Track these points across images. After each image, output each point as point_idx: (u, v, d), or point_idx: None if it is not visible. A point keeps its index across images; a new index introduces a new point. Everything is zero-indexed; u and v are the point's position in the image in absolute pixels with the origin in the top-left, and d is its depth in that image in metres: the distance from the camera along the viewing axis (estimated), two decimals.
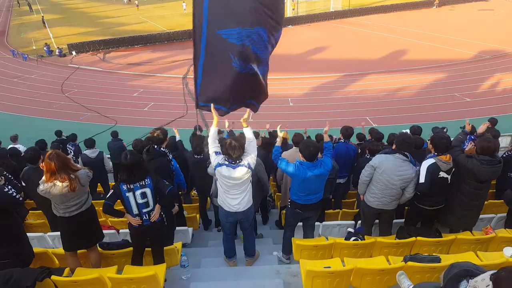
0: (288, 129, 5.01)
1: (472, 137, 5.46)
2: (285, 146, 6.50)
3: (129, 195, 3.86)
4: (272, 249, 5.31)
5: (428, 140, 4.82)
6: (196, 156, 5.90)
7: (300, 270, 4.00)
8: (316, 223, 5.28)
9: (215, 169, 4.14)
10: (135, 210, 3.93)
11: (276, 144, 4.58)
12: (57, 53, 25.45)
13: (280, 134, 4.63)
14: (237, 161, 4.06)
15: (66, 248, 4.14)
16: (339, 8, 38.06)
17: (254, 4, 4.39)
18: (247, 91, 5.02)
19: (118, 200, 3.94)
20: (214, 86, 5.05)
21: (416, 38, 26.99)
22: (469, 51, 22.91)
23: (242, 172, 4.05)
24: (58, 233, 4.35)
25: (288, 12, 36.08)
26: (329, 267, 3.75)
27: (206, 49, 4.91)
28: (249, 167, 4.08)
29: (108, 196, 3.93)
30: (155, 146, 4.98)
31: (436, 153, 4.39)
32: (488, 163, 4.18)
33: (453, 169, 4.39)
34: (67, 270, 3.82)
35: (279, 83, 18.27)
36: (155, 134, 4.98)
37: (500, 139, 8.18)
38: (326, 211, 6.04)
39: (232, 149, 4.02)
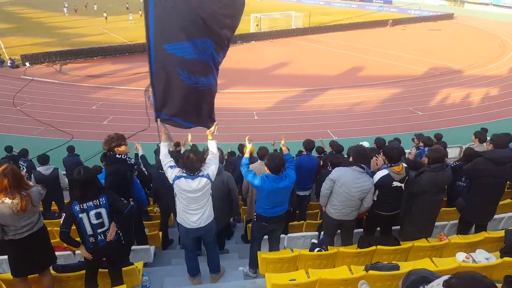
0: (253, 142, 5.07)
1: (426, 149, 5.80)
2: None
3: (83, 216, 3.67)
4: (238, 264, 5.27)
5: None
6: (160, 171, 5.79)
7: (266, 284, 4.00)
8: (282, 235, 5.33)
9: (173, 182, 4.06)
10: (89, 230, 3.74)
11: (245, 155, 4.62)
12: (8, 64, 24.11)
13: (249, 145, 4.67)
14: (196, 173, 4.02)
15: (15, 273, 3.82)
16: (300, 26, 39.23)
17: (205, 12, 4.11)
18: (203, 106, 4.98)
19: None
20: (169, 100, 4.98)
21: (372, 55, 28.31)
22: (420, 68, 24.36)
23: (201, 183, 4.00)
24: (5, 256, 4.03)
25: (251, 28, 36.73)
26: (295, 280, 3.79)
27: (155, 63, 4.77)
28: (209, 177, 4.05)
29: (62, 222, 3.69)
30: (110, 152, 4.77)
31: (389, 164, 4.57)
32: (440, 169, 4.46)
33: (406, 177, 4.61)
34: None
35: (244, 96, 18.44)
36: (107, 139, 4.73)
37: (449, 150, 8.72)
38: (290, 223, 6.11)
39: (190, 163, 3.99)
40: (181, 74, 4.46)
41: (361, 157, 4.57)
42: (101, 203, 3.72)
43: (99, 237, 3.80)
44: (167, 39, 4.30)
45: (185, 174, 4.01)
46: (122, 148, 4.72)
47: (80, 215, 3.66)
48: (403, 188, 4.63)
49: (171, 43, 4.31)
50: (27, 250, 3.71)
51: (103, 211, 3.74)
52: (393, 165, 4.52)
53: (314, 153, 7.08)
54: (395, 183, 4.55)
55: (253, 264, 4.89)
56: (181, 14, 4.11)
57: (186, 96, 4.67)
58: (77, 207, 3.65)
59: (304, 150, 6.40)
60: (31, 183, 3.85)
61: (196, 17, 4.08)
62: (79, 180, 3.66)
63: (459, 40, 34.29)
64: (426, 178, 4.47)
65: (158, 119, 4.85)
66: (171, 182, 4.08)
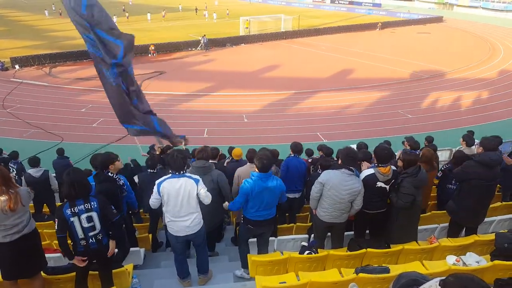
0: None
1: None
2: (238, 161, 6.55)
3: (74, 219, 3.65)
4: (228, 266, 5.26)
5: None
6: (150, 171, 5.76)
7: (256, 286, 3.99)
8: (271, 238, 5.33)
9: (158, 189, 4.09)
10: (80, 234, 3.72)
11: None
12: None
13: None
14: (181, 172, 4.10)
15: (5, 277, 3.80)
16: (289, 29, 39.42)
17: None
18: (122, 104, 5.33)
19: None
20: (113, 103, 5.32)
21: (362, 58, 28.54)
22: (410, 71, 24.60)
23: (187, 183, 4.06)
24: None
25: (241, 31, 36.79)
26: (285, 282, 3.79)
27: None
28: (196, 181, 4.10)
29: (56, 227, 3.69)
30: (104, 170, 4.81)
31: (377, 163, 4.63)
32: (417, 172, 4.56)
33: (392, 180, 4.65)
34: None
35: (233, 99, 18.44)
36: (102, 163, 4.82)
37: (439, 153, 8.81)
38: (280, 226, 6.11)
39: (174, 160, 4.06)
40: (102, 69, 5.19)
41: (349, 160, 4.59)
42: (92, 207, 3.71)
43: (91, 240, 3.77)
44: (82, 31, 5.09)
45: (170, 175, 4.09)
46: (116, 164, 4.78)
47: (72, 219, 3.65)
48: (387, 189, 4.67)
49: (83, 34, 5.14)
50: (18, 253, 3.68)
51: (94, 214, 3.72)
52: (380, 165, 4.57)
53: (304, 156, 7.12)
54: (380, 184, 4.61)
55: (246, 264, 4.90)
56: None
57: (114, 94, 5.00)
58: (68, 211, 3.63)
59: (291, 152, 6.41)
60: (18, 186, 3.79)
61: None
62: (68, 181, 3.65)
63: (448, 43, 34.74)
64: (407, 183, 4.53)
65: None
66: (157, 192, 4.11)
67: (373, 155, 4.88)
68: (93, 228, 3.75)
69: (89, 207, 3.69)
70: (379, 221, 4.93)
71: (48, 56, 25.83)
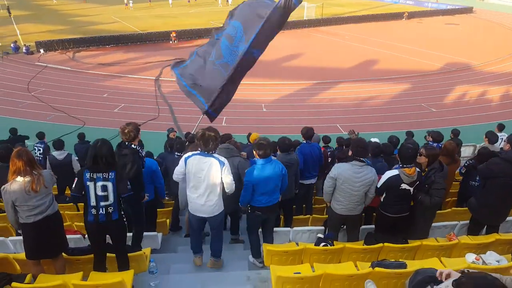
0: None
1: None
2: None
3: (90, 184, 3.74)
4: (242, 254, 5.30)
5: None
6: (177, 154, 5.81)
7: (270, 275, 4.01)
8: (287, 228, 5.34)
9: (186, 160, 4.15)
10: (93, 201, 3.78)
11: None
12: (24, 51, 24.40)
13: None
14: (211, 152, 4.11)
15: (29, 256, 3.93)
16: (312, 17, 38.74)
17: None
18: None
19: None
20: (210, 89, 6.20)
21: (386, 48, 27.87)
22: (436, 63, 23.90)
23: (213, 162, 4.07)
24: (21, 237, 4.13)
25: None
26: (299, 273, 3.78)
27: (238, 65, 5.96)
28: (221, 163, 4.09)
29: (74, 186, 3.82)
30: (126, 142, 4.81)
31: (401, 164, 4.46)
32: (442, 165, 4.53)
33: (417, 182, 4.49)
34: (29, 277, 3.67)
35: (252, 88, 18.36)
36: (126, 131, 4.64)
37: (462, 149, 8.58)
38: (296, 217, 6.10)
39: (205, 139, 4.06)
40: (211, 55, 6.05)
41: (360, 151, 4.52)
42: (109, 177, 3.77)
43: (101, 210, 3.81)
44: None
45: (199, 152, 4.12)
46: (139, 137, 4.80)
47: (88, 183, 3.74)
48: (412, 192, 4.53)
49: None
50: (41, 234, 3.78)
51: (109, 185, 3.78)
52: (405, 166, 4.40)
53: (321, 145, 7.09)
54: (404, 186, 4.45)
55: (256, 253, 4.94)
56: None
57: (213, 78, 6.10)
58: (87, 175, 3.73)
59: (303, 138, 6.36)
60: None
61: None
62: (94, 151, 3.73)
63: (477, 35, 33.50)
64: (439, 178, 4.45)
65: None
66: (183, 165, 4.17)
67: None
68: (106, 198, 3.80)
69: (107, 176, 3.76)
70: (400, 225, 4.80)
71: (72, 41, 26.31)
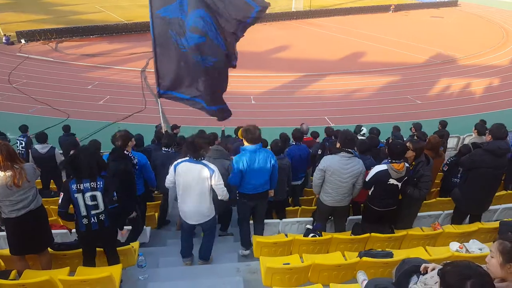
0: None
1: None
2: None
3: (78, 195, 3.64)
4: (232, 246, 5.32)
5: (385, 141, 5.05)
6: (164, 150, 5.76)
7: (260, 267, 4.04)
8: (276, 220, 5.37)
9: (175, 167, 4.10)
10: (83, 211, 3.70)
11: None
12: (4, 41, 23.63)
13: None
14: (200, 159, 4.05)
15: (13, 252, 3.86)
16: (300, 9, 38.62)
17: None
18: (201, 79, 5.24)
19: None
20: (167, 70, 5.40)
21: (373, 41, 28.01)
22: (421, 56, 24.15)
23: (202, 170, 4.02)
24: (4, 233, 4.05)
25: None
26: (288, 264, 3.82)
27: (154, 33, 5.23)
28: (211, 171, 4.03)
29: (60, 202, 3.68)
30: (122, 149, 4.78)
31: (390, 159, 4.49)
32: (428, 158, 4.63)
33: (405, 177, 4.54)
34: (13, 273, 3.60)
35: (241, 80, 18.28)
36: (115, 137, 4.72)
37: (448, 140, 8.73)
38: (286, 208, 6.15)
39: (194, 146, 4.02)
40: (173, 36, 5.06)
41: (347, 142, 4.58)
42: (97, 186, 3.68)
43: (92, 219, 3.74)
44: (159, 5, 4.91)
45: (187, 158, 4.05)
46: (132, 142, 4.77)
47: (76, 195, 3.64)
48: (399, 187, 4.58)
49: (162, 7, 4.93)
50: (24, 229, 3.70)
51: (98, 194, 3.70)
52: (394, 161, 4.44)
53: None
54: (392, 181, 4.49)
55: (245, 243, 4.99)
56: None
57: (179, 61, 4.97)
58: (74, 186, 3.63)
59: (293, 140, 6.41)
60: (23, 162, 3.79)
61: None
62: (77, 161, 3.63)
63: (461, 28, 33.93)
64: (426, 171, 4.57)
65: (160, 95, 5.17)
66: (173, 173, 4.11)
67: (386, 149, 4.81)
68: (96, 206, 3.73)
69: (95, 186, 3.67)
70: (388, 217, 4.86)
71: (55, 31, 25.56)
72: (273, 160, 4.59)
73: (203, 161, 4.08)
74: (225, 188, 4.19)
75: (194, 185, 4.08)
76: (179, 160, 4.13)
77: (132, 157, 4.87)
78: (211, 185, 4.11)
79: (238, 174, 4.48)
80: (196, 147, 4.02)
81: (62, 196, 3.67)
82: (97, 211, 3.75)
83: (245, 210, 4.88)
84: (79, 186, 3.63)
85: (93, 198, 3.69)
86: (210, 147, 4.90)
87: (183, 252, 4.72)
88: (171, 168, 4.16)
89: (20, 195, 3.59)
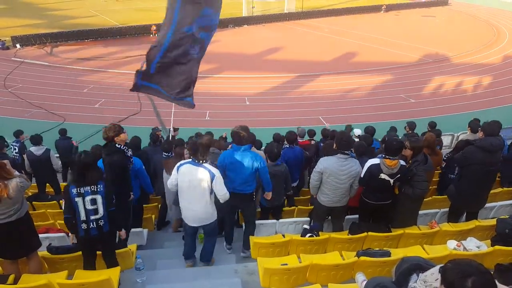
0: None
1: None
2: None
3: (78, 200, 3.65)
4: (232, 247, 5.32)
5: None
6: (165, 154, 5.76)
7: (258, 268, 4.05)
8: (273, 220, 5.38)
9: (178, 169, 4.13)
10: (82, 216, 3.70)
11: None
12: None
13: None
14: (201, 161, 4.07)
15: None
16: (292, 10, 38.73)
17: None
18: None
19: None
20: (165, 76, 5.96)
21: (365, 41, 28.14)
22: (414, 55, 24.29)
23: (204, 174, 4.03)
24: None
25: (244, 12, 36.16)
26: (286, 264, 3.83)
27: (169, 45, 5.66)
28: (211, 174, 4.04)
29: (64, 207, 3.71)
30: (110, 142, 4.76)
31: (384, 155, 4.51)
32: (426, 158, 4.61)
33: (398, 175, 4.55)
34: (11, 277, 3.59)
35: (235, 81, 18.29)
36: (104, 130, 4.68)
37: (442, 137, 8.78)
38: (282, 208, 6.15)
39: (196, 149, 4.06)
40: (191, 48, 5.67)
41: (344, 144, 4.58)
42: (98, 190, 3.69)
43: (92, 224, 3.74)
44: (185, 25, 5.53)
45: (190, 160, 4.09)
46: (122, 136, 4.71)
47: (76, 199, 3.65)
48: (391, 183, 4.58)
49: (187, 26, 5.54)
50: (6, 236, 3.69)
51: (99, 198, 3.71)
52: (388, 157, 4.46)
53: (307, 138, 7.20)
54: (383, 175, 4.51)
55: (229, 240, 5.12)
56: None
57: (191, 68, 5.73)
58: (74, 191, 3.64)
59: (286, 143, 6.41)
60: (15, 173, 3.76)
61: None
62: (78, 164, 3.65)
63: (453, 27, 34.16)
64: (421, 171, 4.56)
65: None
66: (176, 174, 4.14)
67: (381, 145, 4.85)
68: (95, 211, 3.73)
69: (95, 189, 3.68)
70: (383, 212, 4.89)
71: (49, 35, 25.55)
72: (258, 163, 4.50)
73: (205, 165, 4.09)
74: (227, 191, 4.17)
75: (195, 187, 4.09)
76: (183, 161, 4.18)
77: (126, 149, 4.82)
78: (211, 188, 4.11)
79: (219, 169, 4.44)
80: (197, 149, 4.05)
81: (64, 201, 3.72)
82: (97, 217, 3.75)
83: (227, 208, 4.83)
84: (80, 190, 3.64)
85: (93, 201, 3.70)
86: (212, 149, 4.94)
87: (185, 254, 4.73)
88: (174, 169, 4.18)
89: (2, 209, 3.56)
